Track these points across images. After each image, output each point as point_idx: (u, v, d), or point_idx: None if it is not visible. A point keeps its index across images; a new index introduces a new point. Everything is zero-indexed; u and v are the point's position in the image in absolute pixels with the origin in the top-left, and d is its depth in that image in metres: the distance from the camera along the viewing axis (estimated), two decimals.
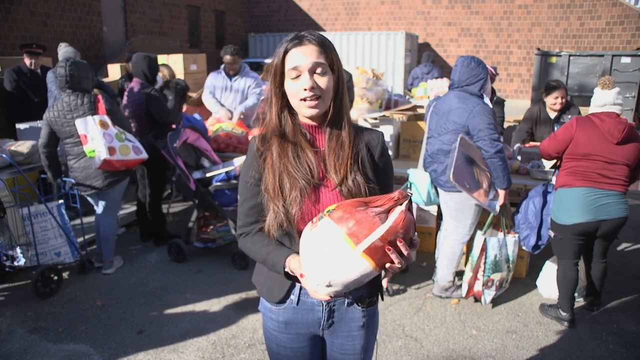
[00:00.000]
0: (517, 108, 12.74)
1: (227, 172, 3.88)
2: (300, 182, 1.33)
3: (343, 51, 14.61)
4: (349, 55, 14.61)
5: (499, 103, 4.62)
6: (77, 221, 4.09)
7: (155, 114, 4.09)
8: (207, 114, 5.28)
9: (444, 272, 3.40)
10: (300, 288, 1.44)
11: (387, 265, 1.14)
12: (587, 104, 4.63)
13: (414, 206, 3.69)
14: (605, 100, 2.95)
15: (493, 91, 5.09)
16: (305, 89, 1.29)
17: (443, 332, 3.08)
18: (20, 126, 4.29)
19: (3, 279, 3.68)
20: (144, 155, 3.66)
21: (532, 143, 4.32)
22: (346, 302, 1.46)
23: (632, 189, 3.19)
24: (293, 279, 1.35)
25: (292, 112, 1.39)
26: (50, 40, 10.58)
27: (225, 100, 4.98)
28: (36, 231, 3.51)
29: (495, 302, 3.42)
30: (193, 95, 5.88)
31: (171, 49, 12.09)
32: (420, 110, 5.59)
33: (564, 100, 4.13)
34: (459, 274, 3.57)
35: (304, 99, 1.30)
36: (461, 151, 2.97)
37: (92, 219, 4.40)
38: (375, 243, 1.11)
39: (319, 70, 1.30)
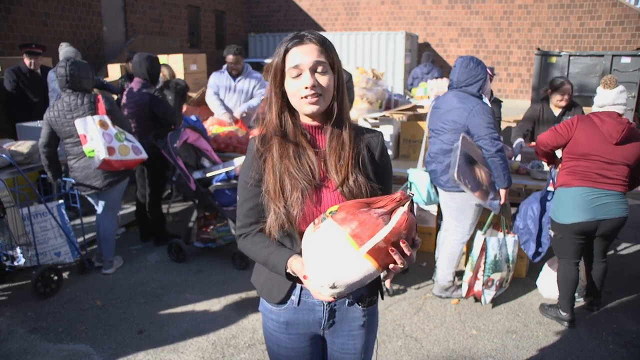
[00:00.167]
0: (517, 108, 12.73)
1: (227, 172, 3.88)
2: (301, 183, 1.32)
3: (343, 51, 14.61)
4: (349, 55, 14.61)
5: (496, 102, 4.62)
6: (77, 221, 4.09)
7: (160, 115, 4.09)
8: (207, 114, 5.27)
9: (444, 272, 3.40)
10: (301, 288, 1.44)
11: (391, 266, 1.15)
12: (587, 104, 4.63)
13: (414, 206, 3.69)
14: (605, 100, 2.94)
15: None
16: (306, 87, 1.29)
17: (443, 332, 3.08)
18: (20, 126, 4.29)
19: (3, 279, 3.68)
20: (144, 155, 3.65)
21: (532, 143, 4.32)
22: (347, 302, 1.46)
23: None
24: (294, 280, 1.35)
25: (292, 113, 1.39)
26: (50, 40, 10.58)
27: (228, 101, 4.94)
28: (36, 231, 3.51)
29: (495, 302, 3.42)
30: (193, 95, 5.87)
31: (171, 49, 12.09)
32: (420, 110, 5.59)
33: (569, 98, 4.12)
34: (459, 274, 3.58)
35: (305, 97, 1.30)
36: (463, 151, 2.97)
37: (92, 219, 4.40)
38: (378, 244, 1.11)
39: (319, 68, 1.30)
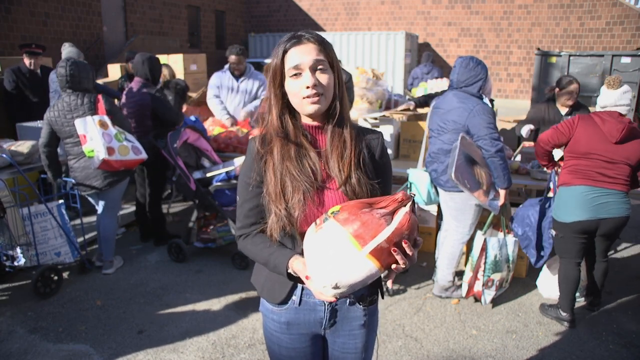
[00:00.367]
0: (517, 108, 12.74)
1: (227, 172, 3.88)
2: (303, 185, 1.32)
3: (343, 51, 14.61)
4: (349, 55, 14.61)
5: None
6: (77, 221, 4.09)
7: (161, 115, 4.09)
8: (207, 114, 5.26)
9: (444, 272, 3.40)
10: (302, 288, 1.44)
11: (393, 266, 1.15)
12: (587, 104, 4.61)
13: (416, 207, 3.68)
14: (608, 100, 2.94)
15: None
16: (307, 87, 1.28)
17: (443, 332, 3.08)
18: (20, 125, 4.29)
19: (3, 279, 3.68)
20: (144, 155, 3.65)
21: (531, 143, 4.32)
22: (348, 302, 1.46)
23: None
24: (296, 281, 1.35)
25: (293, 114, 1.39)
26: (50, 40, 10.58)
27: (231, 101, 4.90)
28: (36, 231, 3.51)
29: (495, 302, 3.42)
30: (193, 95, 5.87)
31: (171, 49, 12.09)
32: (420, 110, 5.58)
33: (577, 97, 4.09)
34: (459, 274, 3.58)
35: (307, 97, 1.30)
36: (462, 150, 2.97)
37: (92, 219, 4.40)
38: (381, 244, 1.11)
39: (319, 67, 1.30)
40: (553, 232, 3.11)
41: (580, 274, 3.11)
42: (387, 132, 4.29)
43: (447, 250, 3.37)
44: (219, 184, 3.80)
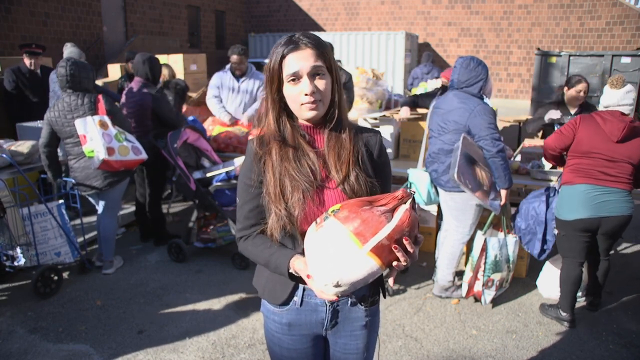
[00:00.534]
0: (517, 108, 12.74)
1: (227, 172, 3.88)
2: (302, 185, 1.32)
3: (343, 51, 14.62)
4: (349, 55, 14.61)
5: None
6: (77, 221, 4.09)
7: (162, 116, 4.10)
8: (207, 114, 5.26)
9: (444, 272, 3.40)
10: (304, 289, 1.43)
11: (394, 263, 1.15)
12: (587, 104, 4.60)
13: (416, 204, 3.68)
14: (611, 100, 2.95)
15: None
16: (306, 94, 1.29)
17: (443, 332, 3.08)
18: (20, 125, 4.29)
19: (3, 279, 3.67)
20: (144, 155, 3.65)
21: (534, 143, 4.32)
22: (349, 302, 1.46)
23: None
24: (297, 280, 1.35)
25: (291, 116, 1.39)
26: (50, 40, 10.59)
27: (232, 102, 4.87)
28: (36, 231, 3.51)
29: (495, 302, 3.42)
30: (193, 95, 5.87)
31: (171, 49, 12.10)
32: (420, 111, 5.58)
33: (585, 96, 4.09)
34: (459, 274, 3.58)
35: (305, 103, 1.30)
36: (463, 151, 2.97)
37: (92, 219, 4.40)
38: (382, 242, 1.11)
39: (318, 73, 1.30)
40: (556, 231, 3.11)
41: (583, 274, 3.11)
42: (387, 132, 4.28)
43: (447, 250, 3.37)
44: (219, 184, 3.81)
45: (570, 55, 10.14)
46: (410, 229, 1.14)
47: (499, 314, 3.29)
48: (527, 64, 15.00)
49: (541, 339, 3.02)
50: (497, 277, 3.24)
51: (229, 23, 17.52)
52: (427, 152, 3.45)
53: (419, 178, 3.46)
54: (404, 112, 4.52)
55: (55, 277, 3.51)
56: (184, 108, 5.52)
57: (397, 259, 1.14)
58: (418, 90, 8.63)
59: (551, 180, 3.59)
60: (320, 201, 1.34)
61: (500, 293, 3.41)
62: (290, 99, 1.33)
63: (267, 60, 1.36)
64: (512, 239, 3.27)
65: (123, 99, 4.20)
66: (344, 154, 1.36)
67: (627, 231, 4.44)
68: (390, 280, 1.28)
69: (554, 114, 4.12)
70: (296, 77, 1.29)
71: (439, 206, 3.81)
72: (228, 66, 4.89)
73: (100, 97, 3.54)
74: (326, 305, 1.45)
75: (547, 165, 3.75)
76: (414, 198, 1.19)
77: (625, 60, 9.58)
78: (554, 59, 10.35)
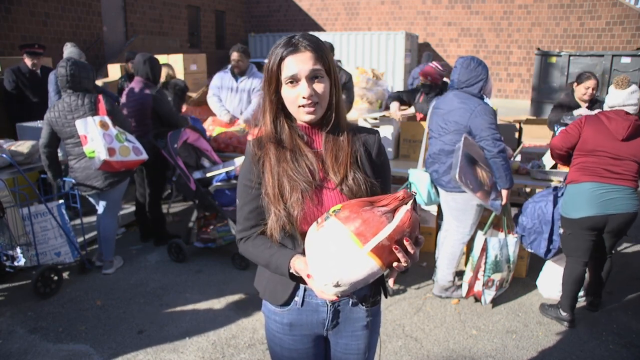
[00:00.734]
0: (517, 108, 12.75)
1: (227, 172, 3.88)
2: (301, 185, 1.32)
3: (343, 51, 14.62)
4: (349, 55, 14.62)
5: None
6: (77, 221, 4.09)
7: (163, 116, 4.11)
8: (207, 114, 5.26)
9: (444, 272, 3.40)
10: (305, 289, 1.43)
11: (394, 264, 1.15)
12: None
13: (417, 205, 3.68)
14: (616, 100, 2.97)
15: (445, 84, 5.09)
16: (303, 97, 1.29)
17: (443, 332, 3.08)
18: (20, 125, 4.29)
19: (3, 279, 3.67)
20: (144, 156, 3.65)
21: (534, 143, 4.32)
22: (350, 302, 1.46)
23: None
24: (298, 280, 1.35)
25: (289, 116, 1.39)
26: (50, 40, 10.59)
27: (230, 101, 4.88)
28: (36, 231, 3.51)
29: (495, 302, 3.42)
30: (193, 95, 5.87)
31: (171, 49, 12.10)
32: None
33: (594, 92, 4.14)
34: (459, 274, 3.58)
35: (302, 106, 1.30)
36: (465, 151, 2.97)
37: (92, 219, 4.40)
38: (382, 242, 1.11)
39: (316, 76, 1.30)
40: (561, 230, 3.11)
41: (585, 274, 3.12)
42: (387, 132, 4.28)
43: (448, 250, 3.37)
44: (219, 184, 3.81)
45: (570, 55, 10.15)
46: (411, 229, 1.14)
47: (499, 314, 3.29)
48: (527, 64, 15.01)
49: (541, 339, 3.02)
50: (497, 277, 3.24)
51: (229, 23, 17.52)
52: (427, 153, 3.45)
53: (419, 178, 3.45)
54: (394, 107, 4.56)
55: (55, 277, 3.51)
56: (184, 108, 5.52)
57: (398, 260, 1.14)
58: None
59: (551, 180, 3.59)
60: (319, 201, 1.34)
61: (500, 293, 3.41)
62: (288, 101, 1.33)
63: (266, 61, 1.36)
64: (512, 239, 3.27)
65: (124, 99, 4.20)
66: (342, 155, 1.36)
67: (629, 230, 4.45)
68: (390, 281, 1.28)
69: (583, 111, 4.16)
70: (294, 80, 1.29)
71: (439, 206, 3.81)
72: (229, 66, 4.90)
73: (100, 97, 3.54)
74: (327, 305, 1.45)
75: (548, 165, 3.76)
76: (415, 199, 1.19)
77: (625, 60, 9.59)
78: (554, 59, 10.35)
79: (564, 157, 3.17)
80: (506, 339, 3.01)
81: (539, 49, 11.21)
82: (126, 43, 12.62)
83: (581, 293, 3.30)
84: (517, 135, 4.79)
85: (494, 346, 2.94)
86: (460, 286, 3.45)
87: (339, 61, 8.17)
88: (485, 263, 3.21)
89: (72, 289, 3.60)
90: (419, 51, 15.47)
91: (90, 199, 3.81)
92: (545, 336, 3.04)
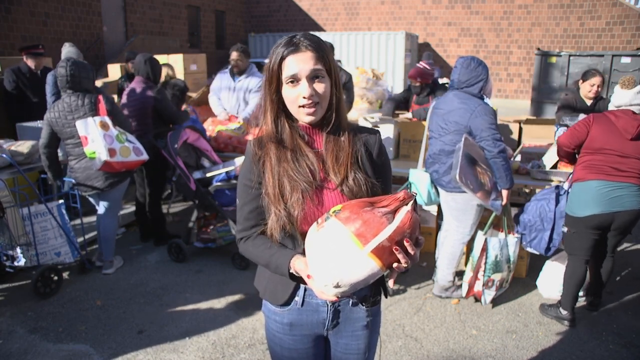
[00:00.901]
0: (517, 108, 12.75)
1: (227, 172, 3.88)
2: (301, 185, 1.32)
3: (343, 51, 14.62)
4: (349, 55, 14.62)
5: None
6: (77, 221, 4.09)
7: (164, 115, 4.12)
8: (208, 114, 5.27)
9: (444, 272, 3.39)
10: (305, 289, 1.43)
11: (394, 265, 1.15)
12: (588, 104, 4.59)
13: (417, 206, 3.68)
14: (623, 100, 3.00)
15: (435, 83, 5.08)
16: (304, 97, 1.29)
17: (443, 332, 3.08)
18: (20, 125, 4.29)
19: (3, 279, 3.67)
20: (145, 156, 3.65)
21: (534, 143, 4.32)
22: (351, 302, 1.46)
23: None
24: (298, 281, 1.35)
25: (289, 116, 1.39)
26: (50, 40, 10.59)
27: (228, 101, 4.90)
28: (36, 231, 3.51)
29: (495, 302, 3.42)
30: (193, 95, 5.88)
31: (171, 49, 12.10)
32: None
33: (599, 89, 4.16)
34: (459, 274, 3.58)
35: (303, 106, 1.30)
36: (465, 152, 2.97)
37: (92, 219, 4.40)
38: (382, 243, 1.11)
39: (317, 76, 1.30)
40: (565, 229, 3.11)
41: (586, 273, 3.12)
42: (387, 132, 4.28)
43: (448, 250, 3.37)
44: (219, 184, 3.81)
45: (570, 55, 10.14)
46: (412, 230, 1.14)
47: (499, 314, 3.29)
48: (527, 64, 15.01)
49: (541, 339, 3.02)
50: (497, 277, 3.24)
51: (229, 23, 17.52)
52: (427, 153, 3.45)
53: (419, 178, 3.45)
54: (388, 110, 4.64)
55: (55, 277, 3.51)
56: (183, 108, 5.52)
57: (398, 261, 1.14)
58: None
59: (551, 181, 3.59)
60: (319, 201, 1.34)
61: (500, 293, 3.41)
62: (288, 100, 1.33)
63: (267, 60, 1.36)
64: (512, 239, 3.27)
65: (124, 99, 4.20)
66: (342, 156, 1.36)
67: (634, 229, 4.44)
68: (390, 282, 1.28)
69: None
70: (295, 80, 1.29)
71: (439, 206, 3.81)
72: (229, 66, 4.91)
73: (100, 97, 3.54)
74: (327, 305, 1.45)
75: (548, 165, 3.76)
76: (415, 200, 1.19)
77: (625, 60, 9.59)
78: (554, 59, 10.35)
79: (570, 154, 3.18)
80: (506, 339, 3.01)
81: (539, 49, 11.20)
82: (126, 43, 12.62)
83: (581, 293, 3.29)
84: (512, 136, 4.78)
85: (494, 346, 2.94)
86: (460, 286, 3.45)
87: (339, 61, 8.17)
88: (486, 263, 3.21)
89: (72, 289, 3.60)
90: (419, 51, 15.47)
91: (90, 199, 3.81)
92: (545, 336, 3.04)
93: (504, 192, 3.17)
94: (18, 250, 3.33)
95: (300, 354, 1.52)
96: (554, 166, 3.75)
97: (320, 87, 1.30)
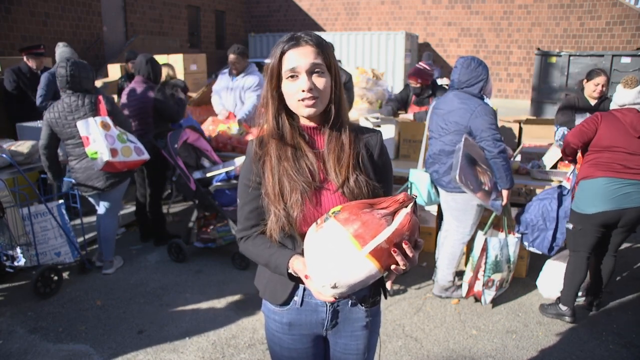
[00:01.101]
0: (517, 108, 12.74)
1: (227, 172, 3.88)
2: (300, 185, 1.32)
3: (343, 51, 14.62)
4: (349, 55, 14.62)
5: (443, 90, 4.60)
6: (77, 221, 4.09)
7: (165, 114, 4.13)
8: (207, 114, 5.29)
9: (444, 272, 3.39)
10: (304, 289, 1.43)
11: (392, 267, 1.15)
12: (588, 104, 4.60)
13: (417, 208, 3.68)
14: (626, 99, 3.00)
15: (435, 83, 5.08)
16: (303, 90, 1.28)
17: (443, 332, 3.08)
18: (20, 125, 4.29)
19: (3, 279, 3.67)
20: (146, 156, 3.65)
21: (534, 143, 4.32)
22: (350, 303, 1.46)
23: None
24: (296, 281, 1.35)
25: (290, 114, 1.38)
26: (50, 40, 10.58)
27: (227, 100, 4.97)
28: (36, 231, 3.51)
29: (495, 302, 3.42)
30: (193, 95, 5.88)
31: (171, 49, 12.10)
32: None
33: (604, 89, 4.14)
34: (459, 274, 3.58)
35: (302, 100, 1.30)
36: (465, 152, 2.97)
37: (92, 219, 4.40)
38: (381, 245, 1.11)
39: (316, 71, 1.29)
40: (570, 226, 3.11)
41: (587, 271, 3.12)
42: (388, 132, 4.28)
43: (448, 251, 3.37)
44: (219, 184, 3.81)
45: (570, 55, 10.14)
46: (411, 233, 1.14)
47: (499, 314, 3.29)
48: (527, 64, 15.01)
49: (541, 339, 3.02)
50: (497, 277, 3.24)
51: (229, 23, 17.52)
52: (427, 153, 3.45)
53: (419, 178, 3.45)
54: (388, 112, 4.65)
55: (55, 277, 3.51)
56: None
57: (396, 263, 1.13)
58: None
59: (551, 180, 3.60)
60: (318, 202, 1.34)
61: (500, 293, 3.41)
62: (288, 95, 1.32)
63: (267, 60, 1.36)
64: (512, 239, 3.27)
65: (124, 99, 4.20)
66: (344, 157, 1.35)
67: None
68: (388, 283, 1.28)
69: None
70: (295, 74, 1.29)
71: (439, 206, 3.81)
72: (229, 66, 4.94)
73: (100, 97, 3.53)
74: (326, 305, 1.45)
75: (548, 165, 3.76)
76: (415, 202, 1.19)
77: (625, 60, 9.59)
78: (554, 59, 10.35)
79: (576, 152, 3.19)
80: (506, 339, 3.01)
81: (539, 49, 11.20)
82: (126, 43, 12.62)
83: (580, 293, 3.29)
84: (511, 137, 4.78)
85: (494, 346, 2.94)
86: (460, 286, 3.45)
87: (339, 61, 8.16)
88: (486, 263, 3.21)
89: (72, 289, 3.60)
90: (419, 51, 15.47)
91: (91, 199, 3.81)
92: (545, 336, 3.04)
93: (504, 192, 3.17)
94: (18, 250, 3.33)
95: (300, 354, 1.52)
96: (554, 166, 3.75)
97: (319, 81, 1.30)
